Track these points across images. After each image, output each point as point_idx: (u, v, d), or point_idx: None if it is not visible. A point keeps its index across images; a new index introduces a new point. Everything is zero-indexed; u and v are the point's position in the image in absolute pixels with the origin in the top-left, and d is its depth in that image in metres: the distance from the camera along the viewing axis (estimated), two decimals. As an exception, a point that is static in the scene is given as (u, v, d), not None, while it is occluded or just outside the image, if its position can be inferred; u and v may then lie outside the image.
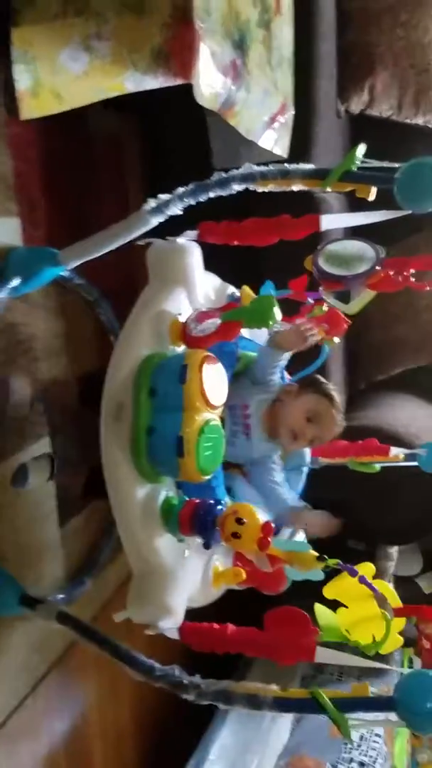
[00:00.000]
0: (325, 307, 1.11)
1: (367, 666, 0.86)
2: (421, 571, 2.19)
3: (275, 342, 1.10)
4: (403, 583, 2.12)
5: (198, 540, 0.91)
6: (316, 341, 1.09)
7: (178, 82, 1.01)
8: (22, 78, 1.02)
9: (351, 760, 1.58)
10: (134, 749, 1.57)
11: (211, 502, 0.91)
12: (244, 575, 0.96)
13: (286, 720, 1.68)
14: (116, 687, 1.46)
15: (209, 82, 1.05)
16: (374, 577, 0.93)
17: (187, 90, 1.03)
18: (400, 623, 0.91)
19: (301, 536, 1.13)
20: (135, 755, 1.57)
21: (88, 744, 1.39)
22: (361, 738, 1.63)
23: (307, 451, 1.23)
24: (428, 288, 1.06)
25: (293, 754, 1.62)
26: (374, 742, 1.63)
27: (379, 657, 0.88)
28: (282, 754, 1.63)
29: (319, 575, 0.89)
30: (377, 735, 1.64)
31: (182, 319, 0.96)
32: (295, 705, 0.82)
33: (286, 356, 1.13)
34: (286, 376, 1.22)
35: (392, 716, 0.77)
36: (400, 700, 0.75)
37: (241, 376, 1.16)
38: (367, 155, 0.91)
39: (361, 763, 1.57)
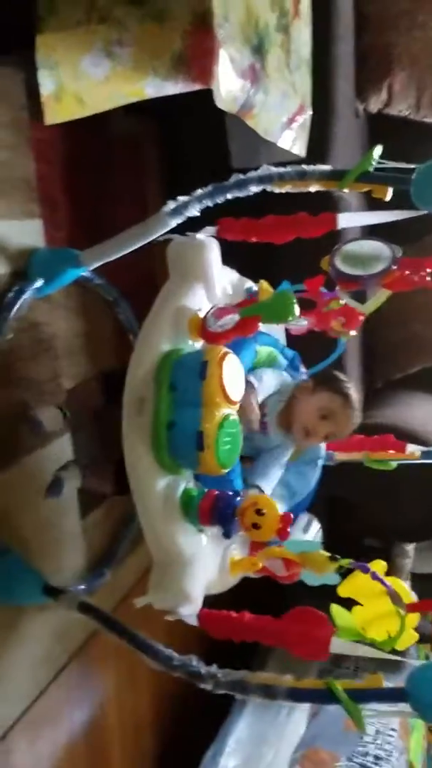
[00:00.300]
0: (341, 301, 1.12)
1: (383, 659, 0.87)
2: (438, 568, 2.19)
3: None
4: (421, 580, 2.11)
5: (216, 530, 0.93)
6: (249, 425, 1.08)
7: (198, 87, 1.02)
8: (45, 83, 1.05)
9: (366, 754, 1.59)
10: (152, 738, 1.59)
11: (230, 493, 0.93)
12: (259, 564, 0.97)
13: (302, 713, 1.69)
14: (135, 677, 1.49)
15: (228, 86, 1.06)
16: (389, 574, 0.94)
17: (205, 93, 1.03)
18: (414, 619, 0.93)
19: (312, 533, 1.14)
20: (153, 744, 1.59)
21: (107, 732, 1.41)
22: (377, 732, 1.64)
23: (323, 444, 1.24)
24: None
25: (308, 747, 1.63)
26: (389, 736, 1.63)
27: (395, 654, 0.89)
28: (297, 746, 1.65)
29: (335, 579, 0.90)
30: (392, 729, 1.65)
31: (201, 314, 0.97)
32: (309, 695, 0.84)
33: None
34: (302, 369, 1.24)
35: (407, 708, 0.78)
36: (411, 690, 0.77)
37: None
38: (384, 154, 0.91)
39: (377, 757, 1.58)
